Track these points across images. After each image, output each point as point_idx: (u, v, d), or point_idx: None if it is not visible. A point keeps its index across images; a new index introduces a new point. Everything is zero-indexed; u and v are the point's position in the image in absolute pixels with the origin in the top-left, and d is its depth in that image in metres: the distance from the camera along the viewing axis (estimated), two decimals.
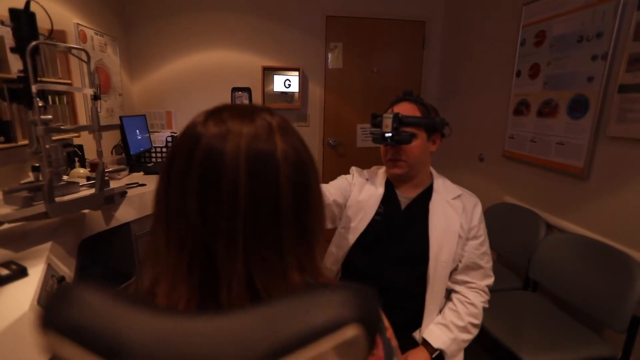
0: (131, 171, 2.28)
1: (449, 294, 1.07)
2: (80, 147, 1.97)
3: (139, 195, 1.85)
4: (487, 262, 1.04)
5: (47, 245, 1.19)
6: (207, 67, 2.81)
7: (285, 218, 0.41)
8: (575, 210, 1.61)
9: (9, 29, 1.13)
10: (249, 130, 0.40)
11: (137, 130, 2.41)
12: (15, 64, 1.48)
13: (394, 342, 0.48)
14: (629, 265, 1.29)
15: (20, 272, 0.98)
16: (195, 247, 0.39)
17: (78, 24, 2.01)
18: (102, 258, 1.97)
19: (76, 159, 1.88)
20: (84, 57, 1.34)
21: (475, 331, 1.00)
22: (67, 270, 1.21)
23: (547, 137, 1.72)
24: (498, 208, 2.00)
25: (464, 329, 0.98)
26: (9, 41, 1.41)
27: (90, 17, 2.17)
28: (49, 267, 1.09)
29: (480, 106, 2.32)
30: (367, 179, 1.13)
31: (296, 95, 2.88)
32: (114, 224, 1.70)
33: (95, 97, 1.28)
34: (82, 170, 1.79)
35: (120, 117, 2.18)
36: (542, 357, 1.25)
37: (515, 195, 1.99)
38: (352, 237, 1.06)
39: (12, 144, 1.44)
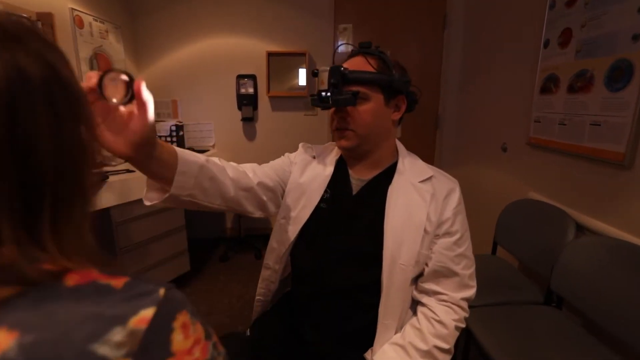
0: None
1: (416, 306, 0.83)
2: None
3: (122, 181, 1.78)
4: (464, 268, 0.79)
5: None
6: (212, 55, 2.73)
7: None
8: (612, 207, 1.27)
9: None
10: None
11: None
12: None
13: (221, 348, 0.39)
14: None
15: None
16: None
17: (73, 8, 2.00)
18: None
19: None
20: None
21: (444, 358, 0.75)
22: None
23: (579, 117, 1.39)
24: (521, 206, 1.68)
25: (427, 354, 0.73)
26: None
27: (89, 3, 2.16)
28: None
29: (503, 88, 2.00)
30: (314, 157, 0.92)
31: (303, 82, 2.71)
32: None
33: None
34: None
35: None
36: None
37: (541, 190, 1.65)
38: (294, 230, 0.86)
39: None
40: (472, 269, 0.82)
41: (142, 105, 0.52)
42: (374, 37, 2.64)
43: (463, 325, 0.79)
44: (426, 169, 0.86)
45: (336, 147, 0.91)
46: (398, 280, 0.77)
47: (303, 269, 0.89)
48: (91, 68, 2.16)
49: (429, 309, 0.78)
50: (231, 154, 2.89)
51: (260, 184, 0.82)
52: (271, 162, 0.92)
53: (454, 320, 0.77)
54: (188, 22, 2.69)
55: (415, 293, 0.82)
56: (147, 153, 0.57)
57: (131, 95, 0.51)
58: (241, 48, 2.70)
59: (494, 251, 1.77)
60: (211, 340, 0.37)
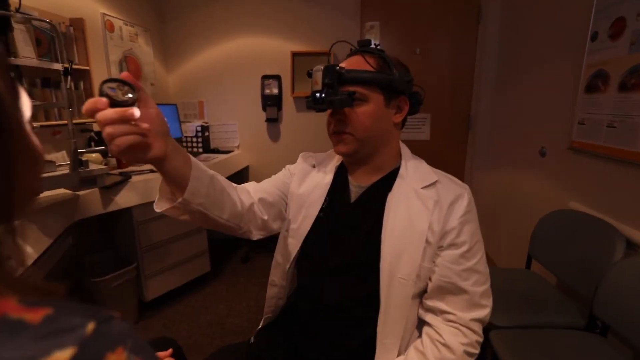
0: None
1: (422, 326, 0.75)
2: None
3: (144, 181, 1.81)
4: (475, 285, 0.70)
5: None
6: (238, 55, 2.74)
7: None
8: None
9: None
10: None
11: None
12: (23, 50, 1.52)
13: None
14: None
15: None
16: None
17: (104, 13, 2.07)
18: (106, 243, 1.99)
19: (92, 143, 1.92)
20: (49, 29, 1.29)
21: None
22: (29, 250, 1.16)
23: (631, 119, 1.22)
24: (560, 216, 1.52)
25: None
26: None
27: (120, 8, 2.23)
28: None
29: (543, 86, 1.82)
30: (314, 166, 0.87)
31: None
32: (112, 208, 1.67)
33: (66, 73, 1.23)
34: (94, 155, 1.81)
35: None
36: None
37: (585, 200, 1.48)
38: (295, 243, 0.81)
39: None
40: (486, 286, 0.72)
41: (142, 93, 0.53)
42: (402, 34, 2.53)
43: (475, 351, 0.69)
44: (431, 174, 0.78)
45: (337, 155, 0.85)
46: (397, 296, 0.70)
47: (303, 283, 0.85)
48: (121, 70, 2.23)
49: (435, 330, 0.70)
50: (255, 154, 2.89)
51: (261, 200, 0.79)
52: (272, 177, 0.89)
53: (463, 344, 0.68)
54: (215, 25, 2.71)
55: (420, 311, 0.74)
56: (171, 145, 0.56)
57: (134, 89, 0.51)
58: (266, 48, 2.69)
59: (528, 265, 1.62)
60: None
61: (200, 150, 2.70)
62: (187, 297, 2.12)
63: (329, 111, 0.76)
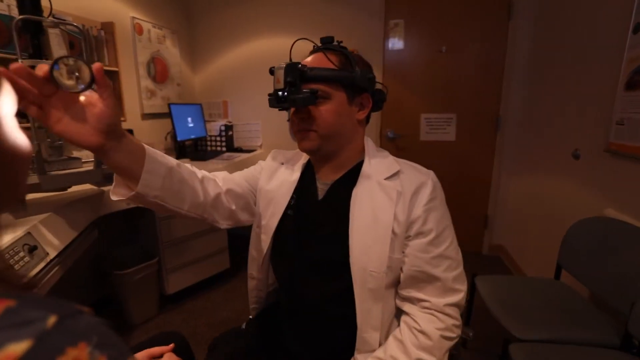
0: (178, 157, 2.36)
1: (401, 314, 0.76)
2: (130, 131, 2.09)
3: None
4: (446, 270, 0.71)
5: (43, 215, 1.23)
6: (261, 55, 2.77)
7: None
8: None
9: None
10: None
11: (189, 118, 2.49)
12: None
13: None
14: None
15: None
16: None
17: (134, 17, 2.15)
18: (132, 237, 2.07)
19: None
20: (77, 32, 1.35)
21: None
22: (55, 241, 1.22)
23: None
24: (594, 224, 1.41)
25: None
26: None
27: (148, 11, 2.31)
28: (27, 235, 1.10)
29: (578, 84, 1.70)
30: (283, 163, 0.89)
31: None
32: (135, 204, 1.73)
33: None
34: None
35: (169, 105, 2.27)
36: None
37: (622, 207, 1.36)
38: (266, 238, 0.84)
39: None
40: (458, 271, 0.73)
41: (104, 89, 0.51)
42: (427, 32, 2.45)
43: (453, 335, 0.71)
44: (394, 164, 0.78)
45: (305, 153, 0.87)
46: (372, 289, 0.71)
47: (280, 279, 0.89)
48: (148, 72, 2.32)
49: (412, 317, 0.72)
50: None
51: (228, 191, 0.80)
52: (243, 170, 0.91)
53: (439, 329, 0.69)
54: (240, 25, 2.76)
55: (398, 301, 0.76)
56: (114, 142, 0.56)
57: (90, 81, 0.49)
58: (288, 47, 2.69)
59: (557, 275, 1.51)
60: None
61: (224, 149, 2.75)
62: (206, 293, 2.16)
63: (291, 110, 0.76)
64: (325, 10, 2.58)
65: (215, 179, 0.80)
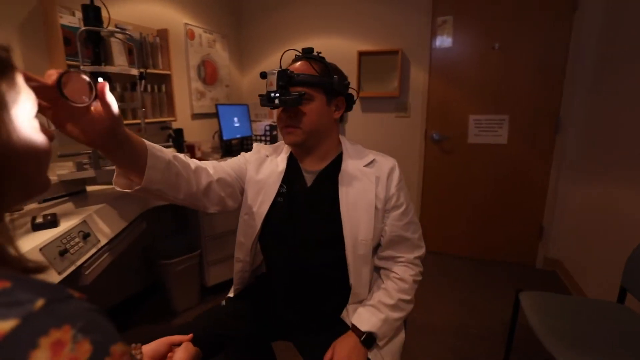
0: (224, 155, 2.47)
1: (379, 271, 0.98)
2: (180, 130, 2.23)
3: None
4: (413, 232, 0.94)
5: (98, 206, 1.35)
6: None
7: None
8: None
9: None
10: None
11: (235, 118, 2.60)
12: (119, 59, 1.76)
13: None
14: None
15: (51, 223, 1.11)
16: None
17: (187, 23, 2.29)
18: (179, 230, 2.20)
19: (170, 139, 2.14)
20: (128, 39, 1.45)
21: (407, 307, 0.92)
22: (107, 230, 1.33)
23: None
24: None
25: (394, 307, 0.89)
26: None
27: (201, 17, 2.45)
28: (83, 223, 1.22)
29: None
30: (268, 155, 1.01)
31: (395, 82, 2.55)
32: None
33: (141, 77, 1.38)
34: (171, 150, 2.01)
35: (216, 105, 2.38)
36: None
37: None
38: (255, 224, 0.95)
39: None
40: (420, 232, 0.96)
41: (107, 107, 0.53)
42: (478, 28, 2.30)
43: (419, 278, 0.95)
44: (368, 154, 0.96)
45: (286, 146, 1.00)
46: (362, 255, 0.89)
47: (272, 258, 1.00)
48: (199, 74, 2.45)
49: (390, 270, 0.94)
50: None
51: (220, 180, 0.89)
52: (228, 160, 0.99)
53: (411, 275, 0.93)
54: (286, 28, 2.81)
55: (377, 261, 0.96)
56: (116, 143, 0.61)
57: (94, 96, 0.52)
58: (333, 49, 2.70)
59: (621, 299, 1.33)
60: None
61: None
62: None
63: (279, 109, 0.89)
64: (370, 10, 2.53)
65: (207, 168, 0.87)
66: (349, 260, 0.88)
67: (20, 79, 0.40)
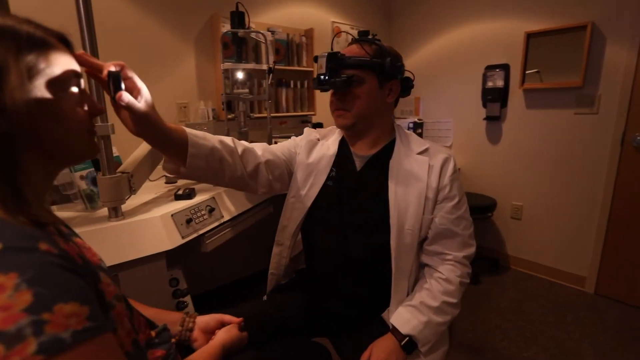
0: None
1: (424, 268, 0.93)
2: (320, 124, 2.35)
3: None
4: (464, 229, 0.88)
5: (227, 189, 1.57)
6: (459, 46, 2.48)
7: None
8: None
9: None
10: None
11: None
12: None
13: None
14: None
15: (188, 195, 1.36)
16: None
17: (334, 21, 2.38)
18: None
19: None
20: (262, 38, 1.59)
21: (453, 312, 0.86)
22: (232, 208, 1.52)
23: None
24: None
25: (438, 311, 0.84)
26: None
27: (348, 14, 2.51)
28: (211, 199, 1.44)
29: None
30: (319, 139, 1.00)
31: (578, 68, 1.93)
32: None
33: (269, 71, 1.51)
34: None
35: None
36: None
37: None
38: (303, 207, 0.94)
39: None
40: (471, 230, 0.90)
41: (126, 109, 0.57)
42: None
43: (467, 281, 0.89)
44: (423, 142, 0.93)
45: (338, 130, 0.99)
46: (407, 245, 0.86)
47: (317, 243, 0.98)
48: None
49: (435, 269, 0.88)
50: (469, 156, 2.55)
51: (268, 162, 0.89)
52: (279, 144, 0.99)
53: (458, 276, 0.86)
54: (440, 15, 2.56)
55: (423, 257, 0.91)
56: (153, 135, 0.65)
57: (112, 98, 0.56)
58: (493, 33, 2.27)
59: None
60: (38, 317, 0.32)
61: None
62: None
63: (330, 92, 0.89)
64: None
65: (255, 151, 0.89)
66: (393, 247, 0.86)
67: (59, 57, 0.44)
